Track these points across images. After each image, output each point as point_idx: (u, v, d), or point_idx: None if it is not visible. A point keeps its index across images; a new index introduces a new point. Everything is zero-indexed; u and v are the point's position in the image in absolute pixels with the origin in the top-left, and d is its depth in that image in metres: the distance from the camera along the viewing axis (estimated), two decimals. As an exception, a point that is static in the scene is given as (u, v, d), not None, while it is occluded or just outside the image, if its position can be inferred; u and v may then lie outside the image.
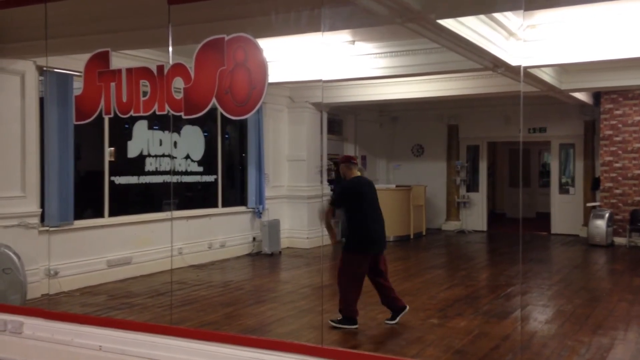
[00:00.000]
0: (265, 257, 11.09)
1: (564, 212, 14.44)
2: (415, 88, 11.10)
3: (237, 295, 8.11)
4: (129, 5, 5.90)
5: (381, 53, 8.94)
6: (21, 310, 5.60)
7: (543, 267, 10.29)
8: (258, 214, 11.51)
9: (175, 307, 7.19)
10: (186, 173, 10.32)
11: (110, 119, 7.04)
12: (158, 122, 9.46)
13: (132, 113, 5.05)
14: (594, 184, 13.62)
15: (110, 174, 8.89)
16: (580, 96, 12.33)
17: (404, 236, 13.67)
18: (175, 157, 10.08)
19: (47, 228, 7.66)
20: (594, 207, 13.05)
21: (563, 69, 10.37)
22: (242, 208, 11.43)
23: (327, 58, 8.82)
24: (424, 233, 14.50)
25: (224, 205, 11.10)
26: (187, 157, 10.30)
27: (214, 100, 4.67)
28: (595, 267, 10.86)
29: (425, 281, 9.13)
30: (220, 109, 4.68)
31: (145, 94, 5.00)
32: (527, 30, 7.84)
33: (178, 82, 4.85)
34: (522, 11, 6.83)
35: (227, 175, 11.42)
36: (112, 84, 5.08)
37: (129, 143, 9.27)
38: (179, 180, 10.33)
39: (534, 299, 7.92)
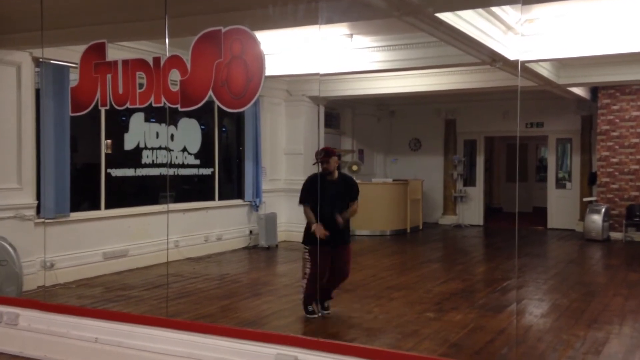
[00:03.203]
0: (262, 251, 11.09)
1: (561, 207, 14.47)
2: (412, 82, 11.09)
3: (233, 288, 8.12)
4: (125, -4, 5.88)
5: (379, 47, 8.92)
6: (17, 302, 5.60)
7: (539, 262, 10.32)
8: (255, 207, 11.51)
9: (171, 299, 7.19)
10: (183, 166, 10.30)
11: (107, 111, 7.01)
12: (155, 115, 9.44)
13: (128, 105, 5.03)
14: (590, 179, 13.64)
15: (107, 167, 8.87)
16: (578, 91, 12.33)
17: (401, 230, 13.69)
18: (172, 150, 10.06)
19: (43, 220, 7.65)
20: (590, 202, 13.07)
21: (561, 64, 10.37)
22: (239, 201, 11.43)
23: (324, 51, 8.80)
24: (420, 227, 14.51)
25: (220, 198, 11.10)
26: (184, 149, 10.29)
27: (210, 93, 4.66)
28: (591, 262, 10.89)
29: (421, 275, 9.14)
30: (216, 102, 4.67)
31: (141, 85, 4.98)
32: (525, 24, 7.82)
33: (174, 74, 4.83)
34: (520, 5, 6.84)
35: (224, 168, 11.41)
36: (108, 76, 5.07)
37: (126, 135, 9.25)
38: (176, 173, 10.32)
39: (530, 293, 7.94)
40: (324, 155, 6.17)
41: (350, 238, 6.57)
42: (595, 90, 13.00)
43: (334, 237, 6.19)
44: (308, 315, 6.39)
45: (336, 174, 6.31)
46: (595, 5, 7.24)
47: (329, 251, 6.26)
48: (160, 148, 9.67)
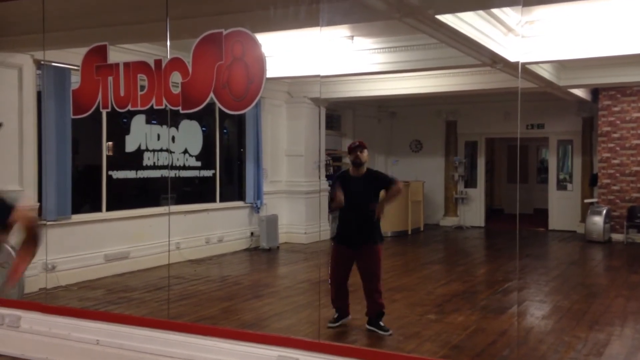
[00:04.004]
0: (263, 252, 11.09)
1: (562, 209, 14.45)
2: (413, 84, 11.09)
3: (234, 290, 8.12)
4: (127, -1, 5.89)
5: (380, 48, 8.93)
6: (19, 304, 5.60)
7: (540, 263, 10.31)
8: (256, 208, 11.51)
9: (172, 301, 7.19)
10: (184, 168, 10.31)
11: (108, 113, 7.00)
12: (156, 117, 9.44)
13: (129, 107, 5.05)
14: (591, 181, 13.63)
15: (108, 169, 8.88)
16: (579, 92, 12.32)
17: (402, 232, 13.69)
18: (173, 152, 10.06)
19: (44, 222, 7.64)
20: (591, 203, 13.06)
21: (561, 65, 10.36)
22: (240, 203, 11.43)
23: (325, 53, 8.80)
24: (422, 229, 14.51)
25: (221, 200, 11.10)
26: (185, 151, 10.29)
27: (211, 95, 4.67)
28: (592, 264, 10.88)
29: (422, 277, 9.14)
30: (218, 104, 4.68)
31: (142, 88, 4.99)
32: (526, 26, 7.82)
33: (176, 77, 4.84)
34: (520, 7, 6.84)
35: (225, 170, 11.42)
36: (110, 78, 5.08)
37: (127, 137, 9.26)
38: (177, 175, 10.32)
39: (531, 295, 7.94)
40: (358, 145, 6.28)
41: (378, 238, 6.04)
42: (596, 91, 12.99)
43: (354, 237, 5.97)
44: (328, 324, 6.03)
45: (364, 169, 6.25)
46: (595, 6, 7.23)
47: (350, 253, 5.99)
48: (161, 150, 9.67)
